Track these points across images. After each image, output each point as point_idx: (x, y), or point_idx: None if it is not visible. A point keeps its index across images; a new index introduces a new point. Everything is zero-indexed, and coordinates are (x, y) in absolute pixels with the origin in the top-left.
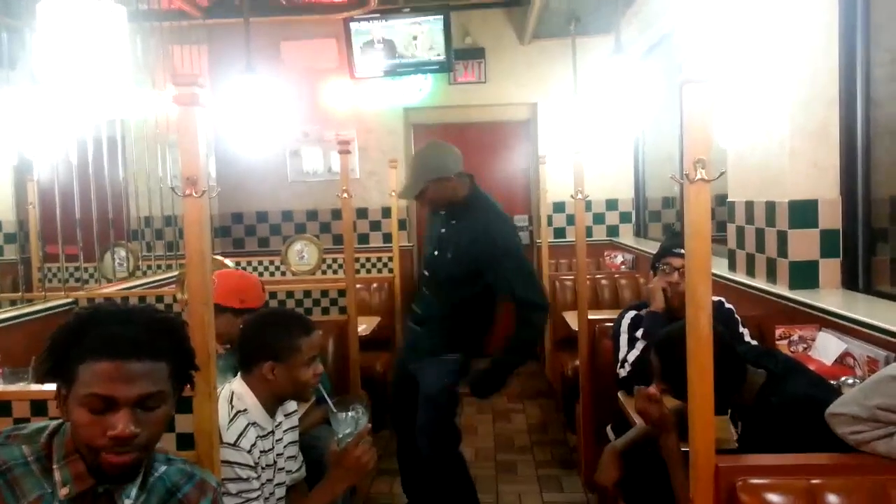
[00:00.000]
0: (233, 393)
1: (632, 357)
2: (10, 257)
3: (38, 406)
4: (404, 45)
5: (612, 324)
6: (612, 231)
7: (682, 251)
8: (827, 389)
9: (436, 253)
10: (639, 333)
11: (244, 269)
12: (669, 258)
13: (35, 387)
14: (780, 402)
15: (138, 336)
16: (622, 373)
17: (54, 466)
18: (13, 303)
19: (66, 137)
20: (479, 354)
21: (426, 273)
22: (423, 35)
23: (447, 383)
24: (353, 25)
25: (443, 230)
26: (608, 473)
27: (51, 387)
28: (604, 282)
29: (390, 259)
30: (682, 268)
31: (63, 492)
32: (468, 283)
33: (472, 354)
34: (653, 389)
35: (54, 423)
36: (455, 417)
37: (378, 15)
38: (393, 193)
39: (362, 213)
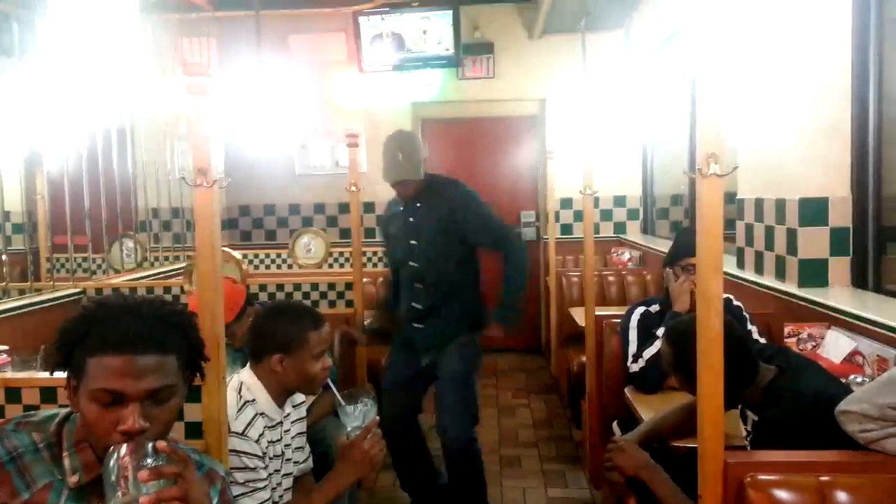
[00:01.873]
0: (241, 383)
1: (648, 354)
2: (19, 247)
3: (48, 393)
4: (413, 39)
5: (619, 320)
6: (620, 228)
7: None
8: (839, 386)
9: (413, 242)
10: (659, 332)
11: (251, 261)
12: (693, 258)
13: (44, 374)
14: (792, 398)
15: (147, 330)
16: (634, 367)
17: (64, 454)
18: (22, 292)
19: (76, 129)
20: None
21: (413, 265)
22: (432, 29)
23: (473, 363)
24: (362, 19)
25: (410, 219)
26: (636, 459)
27: (60, 374)
28: (611, 278)
29: None
30: None
31: (73, 479)
32: (455, 253)
33: (481, 327)
34: (619, 439)
35: (64, 410)
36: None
37: (387, 9)
38: None
39: (369, 207)
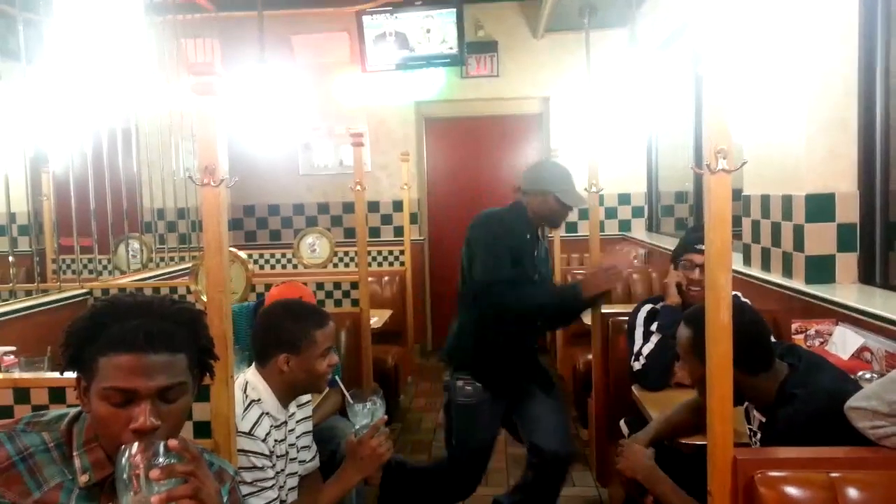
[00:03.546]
0: (247, 383)
1: (646, 350)
2: (25, 249)
3: (56, 393)
4: (416, 38)
5: (624, 318)
6: (625, 225)
7: (704, 247)
8: (852, 384)
9: (536, 278)
10: (654, 327)
11: (256, 261)
12: (691, 254)
13: (52, 374)
14: (806, 398)
15: (157, 328)
16: (636, 366)
17: (74, 453)
18: (28, 293)
19: (81, 129)
20: None
21: None
22: (435, 28)
23: None
24: (365, 18)
25: (536, 252)
26: (635, 462)
27: (69, 374)
28: None
29: (401, 252)
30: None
31: (83, 479)
32: None
33: None
34: (627, 441)
35: (74, 410)
36: None
37: (390, 8)
38: (405, 186)
39: (373, 206)
